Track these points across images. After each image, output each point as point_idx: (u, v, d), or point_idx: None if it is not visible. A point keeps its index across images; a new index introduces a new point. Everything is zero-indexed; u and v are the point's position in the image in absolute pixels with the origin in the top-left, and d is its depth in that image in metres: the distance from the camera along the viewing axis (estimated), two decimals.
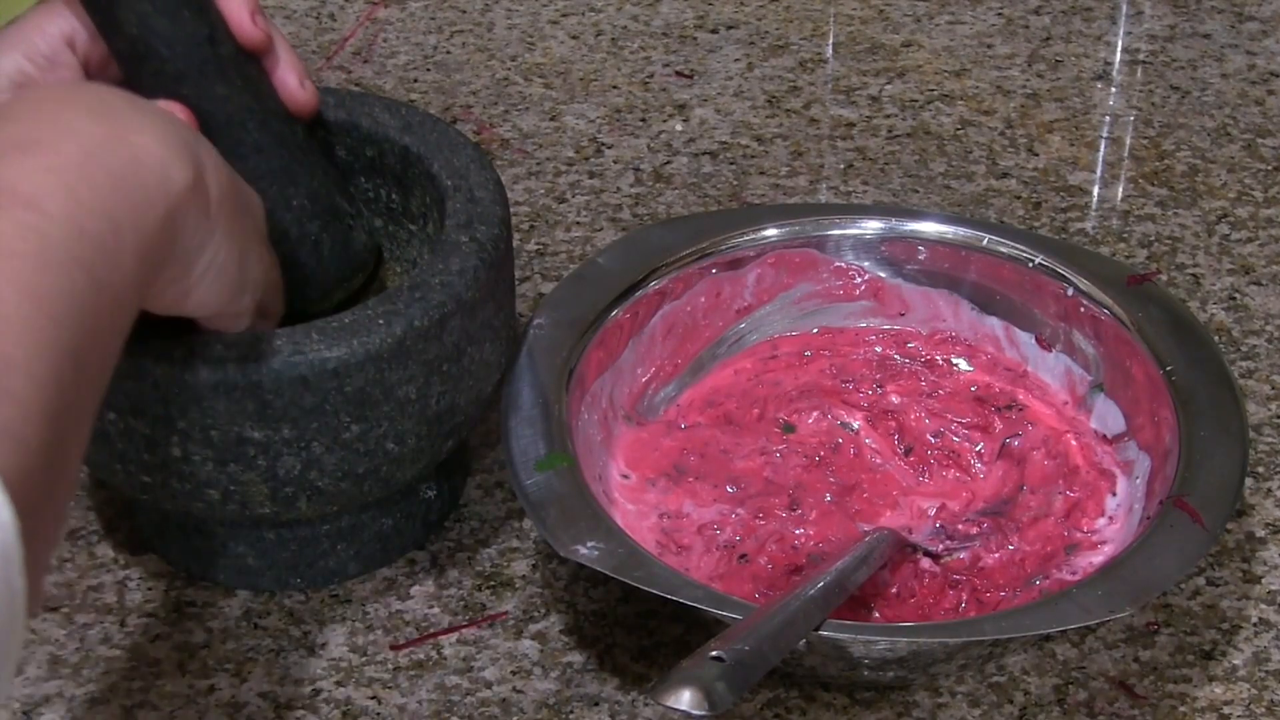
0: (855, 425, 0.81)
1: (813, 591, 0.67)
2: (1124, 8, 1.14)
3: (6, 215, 0.51)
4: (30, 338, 0.49)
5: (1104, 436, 0.80)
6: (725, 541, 0.76)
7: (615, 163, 1.01)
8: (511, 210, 0.78)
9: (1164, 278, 0.92)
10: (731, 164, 1.01)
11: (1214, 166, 1.00)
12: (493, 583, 0.77)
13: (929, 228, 0.84)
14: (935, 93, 1.07)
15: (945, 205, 0.98)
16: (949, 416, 0.81)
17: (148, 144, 0.57)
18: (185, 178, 0.58)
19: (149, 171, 0.57)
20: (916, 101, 1.06)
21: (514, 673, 0.73)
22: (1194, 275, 0.93)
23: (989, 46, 1.11)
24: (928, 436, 0.81)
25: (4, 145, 0.54)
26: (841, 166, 1.01)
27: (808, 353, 0.85)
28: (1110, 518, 0.77)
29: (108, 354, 0.54)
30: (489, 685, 0.73)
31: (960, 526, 0.77)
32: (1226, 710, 0.72)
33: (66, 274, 0.51)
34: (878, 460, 0.80)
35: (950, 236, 0.84)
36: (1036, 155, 1.02)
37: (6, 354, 0.48)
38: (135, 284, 0.55)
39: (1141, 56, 1.10)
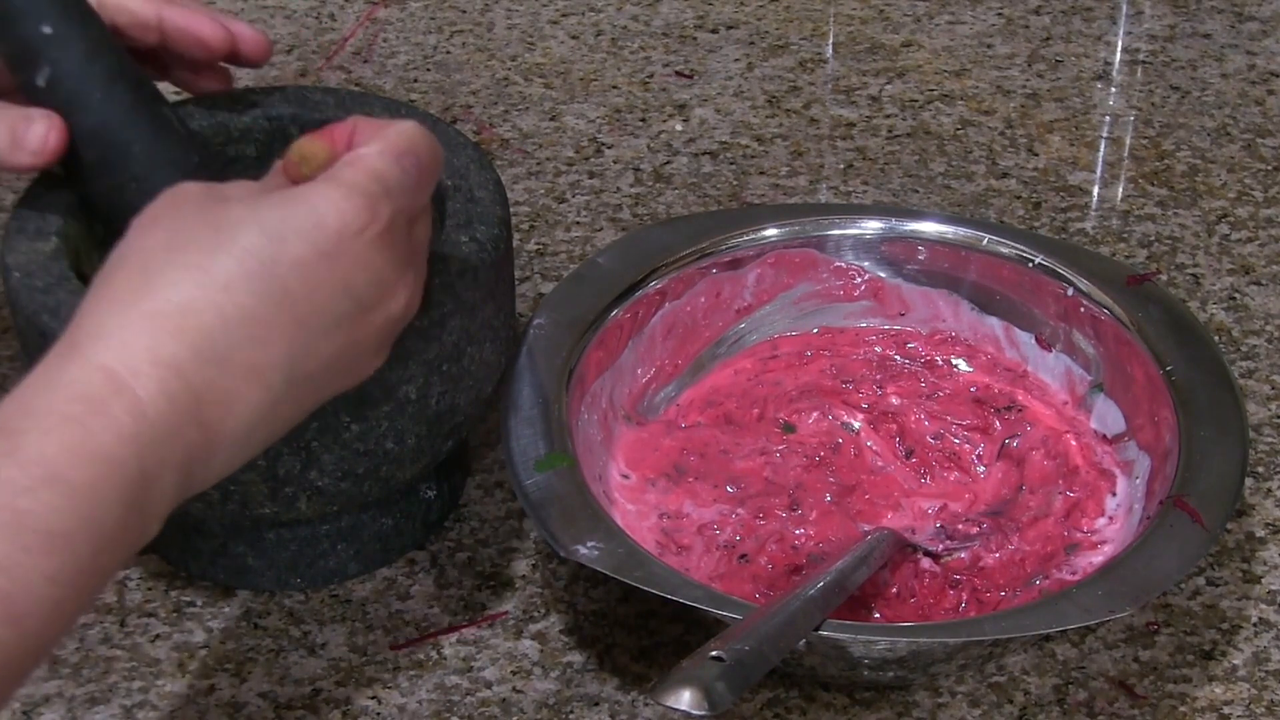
0: (856, 425, 0.81)
1: (813, 591, 0.67)
2: (1124, 8, 1.14)
3: None
4: None
5: (1104, 436, 0.80)
6: (725, 541, 0.76)
7: (615, 163, 1.01)
8: (511, 210, 0.78)
9: (1164, 278, 0.92)
10: (731, 164, 1.01)
11: (1214, 166, 1.00)
12: (493, 583, 0.77)
13: (929, 228, 0.84)
14: (935, 93, 1.07)
15: (945, 205, 0.98)
16: (949, 419, 0.81)
17: (150, 522, 0.56)
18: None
19: (133, 549, 0.56)
20: (916, 101, 1.06)
21: (514, 673, 0.73)
22: (1194, 275, 0.93)
23: (989, 46, 1.11)
24: (928, 439, 0.81)
25: (37, 530, 0.53)
26: (841, 166, 1.01)
27: (808, 353, 0.85)
28: (1110, 518, 0.77)
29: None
30: (489, 685, 0.73)
31: (960, 526, 0.77)
32: (1226, 710, 0.72)
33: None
34: (879, 463, 0.80)
35: (950, 236, 0.84)
36: (1036, 155, 1.02)
37: None
38: (71, 619, 0.55)
39: (1141, 56, 1.10)
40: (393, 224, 0.61)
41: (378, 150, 0.61)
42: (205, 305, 0.57)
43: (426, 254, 0.66)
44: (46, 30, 0.68)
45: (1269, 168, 1.00)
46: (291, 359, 0.59)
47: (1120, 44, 1.11)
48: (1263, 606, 0.76)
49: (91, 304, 0.57)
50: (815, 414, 0.81)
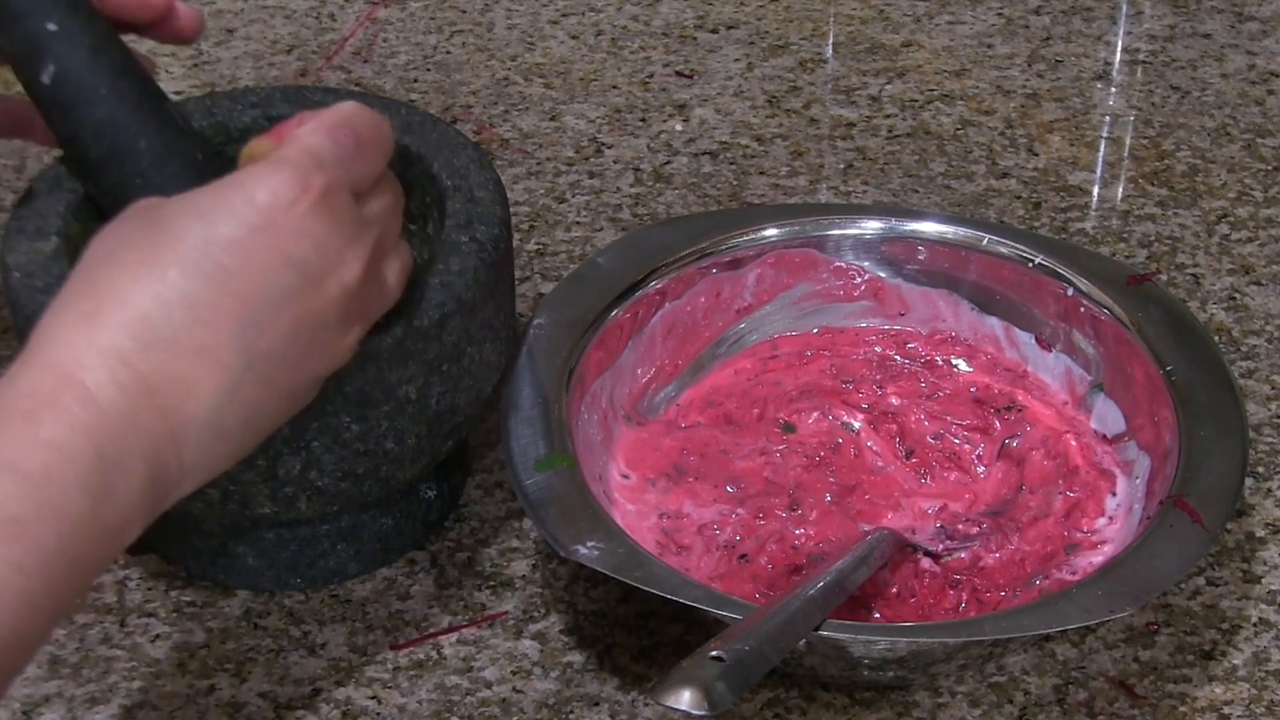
0: (856, 425, 0.81)
1: (813, 591, 0.67)
2: (1124, 8, 1.14)
3: None
4: None
5: (1104, 436, 0.80)
6: (725, 541, 0.76)
7: (615, 163, 1.01)
8: (511, 210, 0.78)
9: (1164, 278, 0.92)
10: (731, 164, 1.01)
11: (1214, 166, 1.00)
12: (493, 583, 0.77)
13: (929, 228, 0.84)
14: (935, 93, 1.07)
15: (945, 205, 0.98)
16: (949, 419, 0.81)
17: (119, 513, 0.55)
18: (136, 530, 0.57)
19: (108, 544, 0.55)
20: (916, 101, 1.06)
21: (514, 673, 0.73)
22: (1194, 275, 0.93)
23: (989, 46, 1.11)
24: (928, 439, 0.81)
25: None
26: (841, 166, 1.01)
27: (808, 353, 0.85)
28: (1110, 518, 0.77)
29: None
30: (489, 685, 0.73)
31: (960, 526, 0.77)
32: (1226, 710, 0.72)
33: None
34: (879, 463, 0.80)
35: (950, 236, 0.84)
36: (1036, 155, 1.02)
37: None
38: (46, 616, 0.54)
39: (1141, 56, 1.10)
40: (328, 193, 0.60)
41: (309, 128, 0.62)
42: (143, 294, 0.57)
43: (396, 231, 0.65)
44: (51, 27, 0.68)
45: (1269, 168, 1.00)
46: (243, 336, 0.58)
47: (1120, 44, 1.11)
48: (1263, 606, 0.76)
49: (43, 320, 0.58)
50: (815, 414, 0.81)
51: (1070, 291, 0.81)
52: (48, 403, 0.55)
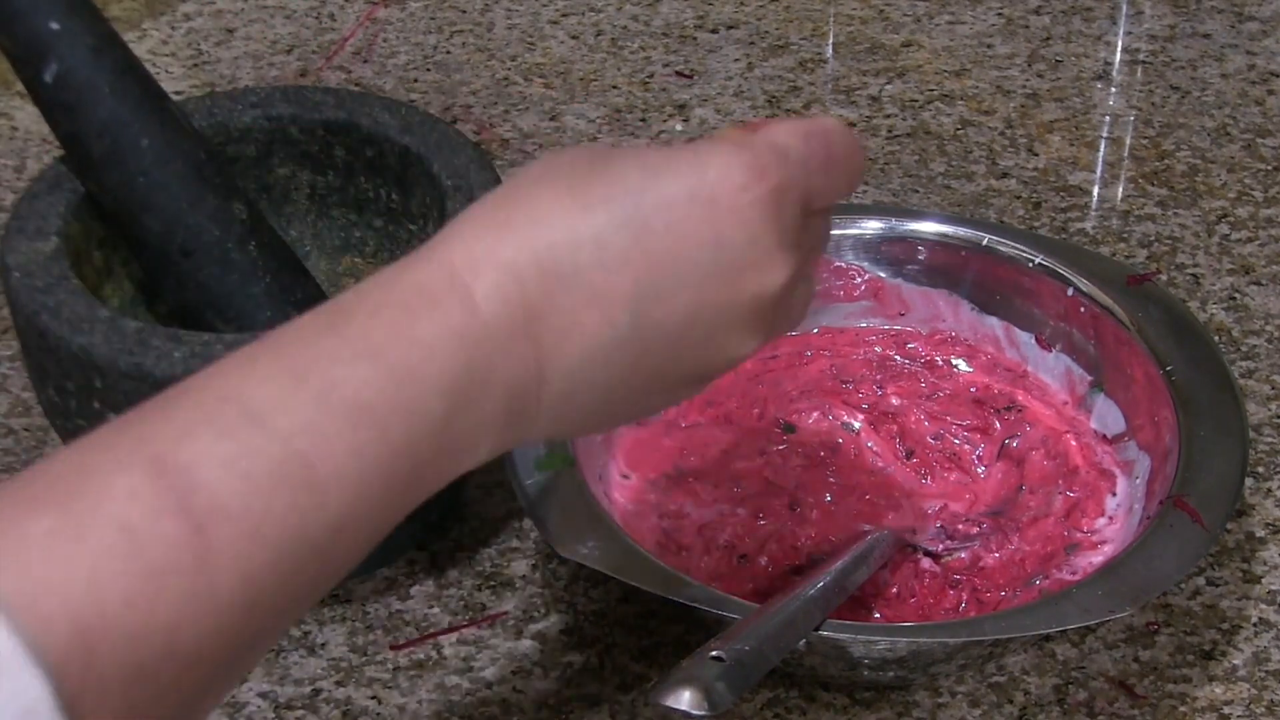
0: (856, 426, 0.81)
1: (813, 591, 0.67)
2: (1124, 8, 1.14)
3: (286, 495, 0.48)
4: (212, 628, 0.46)
5: (1104, 436, 0.80)
6: (725, 541, 0.76)
7: None
8: None
9: (1164, 278, 0.92)
10: None
11: (1214, 166, 1.01)
12: (493, 583, 0.77)
13: (929, 228, 0.84)
14: (935, 93, 1.07)
15: (945, 205, 0.98)
16: (949, 419, 0.81)
17: (469, 431, 0.52)
18: (480, 459, 0.54)
19: (451, 461, 0.53)
20: (916, 101, 1.06)
21: (514, 673, 0.73)
22: (1194, 275, 0.93)
23: (989, 46, 1.11)
24: (928, 439, 0.81)
25: (346, 400, 0.50)
26: None
27: (808, 353, 0.85)
28: (1110, 518, 0.77)
29: (304, 609, 0.51)
30: (489, 685, 0.73)
31: (960, 526, 0.77)
32: (1226, 710, 0.72)
33: (299, 564, 0.48)
34: (879, 463, 0.80)
35: (950, 236, 0.84)
36: (1036, 155, 1.02)
37: (176, 640, 0.45)
38: (376, 516, 0.52)
39: (1141, 56, 1.10)
40: (781, 191, 0.56)
41: (785, 126, 0.58)
42: (559, 221, 0.54)
43: (818, 259, 0.61)
44: (54, 26, 0.68)
45: (1269, 168, 1.00)
46: (639, 296, 0.55)
47: (1120, 44, 1.11)
48: (1263, 606, 0.76)
49: (455, 219, 0.55)
50: (815, 414, 0.81)
51: (1070, 291, 0.81)
52: (430, 301, 0.52)
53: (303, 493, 0.48)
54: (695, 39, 1.12)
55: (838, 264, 0.84)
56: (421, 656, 0.74)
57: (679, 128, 1.04)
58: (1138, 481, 0.77)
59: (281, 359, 0.50)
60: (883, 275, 0.85)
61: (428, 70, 1.09)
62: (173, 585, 0.45)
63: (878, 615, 0.73)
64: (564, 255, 0.54)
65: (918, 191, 0.99)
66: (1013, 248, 0.83)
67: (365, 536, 0.51)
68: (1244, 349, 0.88)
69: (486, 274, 0.53)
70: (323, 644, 0.75)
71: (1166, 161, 1.01)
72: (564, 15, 1.14)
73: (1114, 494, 0.77)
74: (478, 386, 0.52)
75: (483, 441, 0.53)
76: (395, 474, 0.51)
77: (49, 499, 0.45)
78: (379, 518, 0.51)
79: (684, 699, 0.58)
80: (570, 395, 0.55)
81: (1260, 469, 0.82)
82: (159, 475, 0.45)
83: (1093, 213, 0.97)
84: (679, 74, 1.09)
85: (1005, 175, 1.00)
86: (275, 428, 0.48)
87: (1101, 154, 1.02)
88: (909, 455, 0.80)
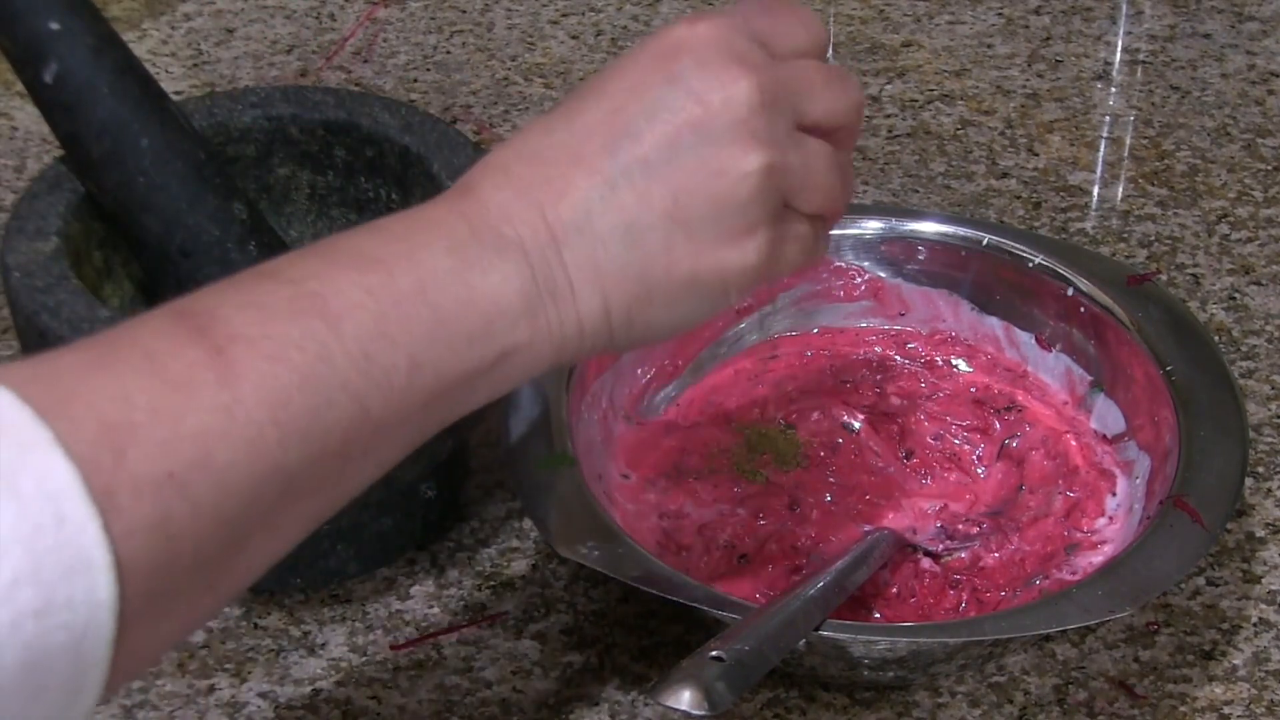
0: (856, 425, 0.81)
1: (813, 591, 0.67)
2: (1124, 8, 1.14)
3: (302, 322, 0.51)
4: (243, 447, 0.49)
5: (1104, 436, 0.80)
6: (725, 541, 0.76)
7: None
8: None
9: (1164, 278, 0.92)
10: None
11: (1214, 166, 1.00)
12: (493, 583, 0.77)
13: (929, 228, 0.84)
14: (935, 93, 1.07)
15: (945, 205, 0.98)
16: (949, 419, 0.81)
17: (491, 288, 0.56)
18: (519, 336, 0.56)
19: (478, 317, 0.55)
20: (916, 101, 1.06)
21: (514, 673, 0.73)
22: (1194, 275, 0.93)
23: (989, 46, 1.11)
24: (928, 439, 0.81)
25: (351, 255, 0.54)
26: None
27: (808, 353, 0.85)
28: (1110, 518, 0.77)
29: (346, 477, 0.54)
30: (489, 685, 0.73)
31: (960, 527, 0.77)
32: (1226, 710, 0.72)
33: (327, 396, 0.51)
34: (879, 463, 0.80)
35: (950, 236, 0.84)
36: (1036, 155, 1.02)
37: (207, 453, 0.48)
38: (418, 418, 0.55)
39: (1141, 56, 1.10)
40: (728, 25, 0.59)
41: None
42: (535, 124, 0.60)
43: (850, 137, 0.66)
44: (54, 26, 0.68)
45: (1269, 168, 1.00)
46: (613, 142, 0.58)
47: (1120, 44, 1.11)
48: (1263, 606, 0.76)
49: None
50: (815, 414, 0.81)
51: (1070, 291, 0.81)
52: (432, 201, 0.58)
53: (317, 321, 0.51)
54: None
55: (838, 264, 0.84)
56: (421, 656, 0.74)
57: None
58: (1138, 481, 0.77)
59: (288, 257, 0.55)
60: (883, 275, 0.85)
61: (428, 70, 1.09)
62: (197, 398, 0.48)
63: (878, 615, 0.73)
64: (539, 138, 0.59)
65: (918, 191, 0.99)
66: (1013, 248, 0.83)
67: (398, 383, 0.54)
68: (1244, 349, 0.88)
69: (478, 176, 0.58)
70: (323, 644, 0.75)
71: (1166, 161, 1.01)
72: (564, 15, 1.14)
73: (1114, 494, 0.77)
74: (489, 249, 0.56)
75: (508, 300, 0.56)
76: (414, 318, 0.54)
77: (80, 344, 0.49)
78: (406, 362, 0.54)
79: (684, 699, 0.58)
80: (592, 249, 0.58)
81: (1260, 469, 0.82)
82: (180, 318, 0.50)
83: (1093, 213, 0.97)
84: None
85: (1005, 175, 1.00)
86: (286, 277, 0.53)
87: (1101, 154, 1.02)
88: (909, 455, 0.80)
